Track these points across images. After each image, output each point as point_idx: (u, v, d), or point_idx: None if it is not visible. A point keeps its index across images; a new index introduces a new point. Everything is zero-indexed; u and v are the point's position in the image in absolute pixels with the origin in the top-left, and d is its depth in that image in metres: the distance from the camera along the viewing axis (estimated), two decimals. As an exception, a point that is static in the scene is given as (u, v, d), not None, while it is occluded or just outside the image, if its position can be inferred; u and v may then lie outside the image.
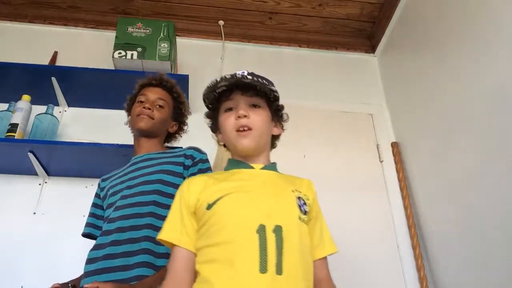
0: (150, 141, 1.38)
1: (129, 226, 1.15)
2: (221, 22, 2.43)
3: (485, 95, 1.52)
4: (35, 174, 1.82)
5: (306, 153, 2.09)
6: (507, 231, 1.38)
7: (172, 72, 2.03)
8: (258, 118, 1.03)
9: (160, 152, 1.36)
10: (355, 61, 2.51)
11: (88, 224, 1.34)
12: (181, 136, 1.53)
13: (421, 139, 1.96)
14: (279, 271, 0.82)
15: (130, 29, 2.04)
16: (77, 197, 1.78)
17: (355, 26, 2.50)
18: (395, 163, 2.10)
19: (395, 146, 2.14)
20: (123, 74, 1.91)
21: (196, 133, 1.56)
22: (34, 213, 1.78)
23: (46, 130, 1.81)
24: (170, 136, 1.50)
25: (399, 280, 1.83)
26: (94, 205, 1.38)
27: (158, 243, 1.03)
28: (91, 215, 1.36)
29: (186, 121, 1.53)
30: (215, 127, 1.12)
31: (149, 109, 1.37)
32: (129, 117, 1.45)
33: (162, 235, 0.95)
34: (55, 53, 2.19)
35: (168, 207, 1.02)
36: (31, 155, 1.71)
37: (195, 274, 0.90)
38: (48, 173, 1.85)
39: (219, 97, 1.07)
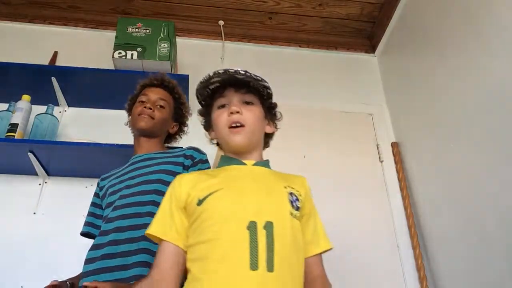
0: (150, 141, 1.38)
1: (127, 225, 1.15)
2: (221, 22, 2.43)
3: (485, 95, 1.52)
4: (35, 174, 1.82)
5: (306, 153, 2.09)
6: (507, 231, 1.38)
7: (172, 72, 2.03)
8: (250, 115, 1.03)
9: (160, 152, 1.36)
10: (355, 61, 2.51)
11: (87, 223, 1.34)
12: (181, 137, 1.53)
13: (421, 139, 1.96)
14: (270, 268, 0.82)
15: (130, 29, 2.04)
16: (77, 197, 1.78)
17: (355, 26, 2.50)
18: (395, 163, 2.10)
19: (395, 146, 2.14)
20: (123, 74, 1.92)
21: (196, 133, 1.56)
22: (34, 213, 1.78)
23: (46, 130, 1.81)
24: (170, 137, 1.50)
25: (399, 280, 1.83)
26: (93, 204, 1.38)
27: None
28: (90, 214, 1.36)
29: (187, 122, 1.53)
30: (208, 125, 1.12)
31: (150, 109, 1.37)
32: (130, 117, 1.45)
33: (150, 230, 0.94)
34: (55, 53, 2.19)
35: None
36: (31, 155, 1.71)
37: (183, 271, 0.90)
38: (48, 173, 1.85)
39: (212, 94, 1.07)
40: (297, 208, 0.96)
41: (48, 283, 1.15)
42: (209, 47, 2.41)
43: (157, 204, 1.19)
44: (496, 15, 1.50)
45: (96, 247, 1.18)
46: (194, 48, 2.38)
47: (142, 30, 2.05)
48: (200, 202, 0.92)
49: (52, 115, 1.85)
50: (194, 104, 1.82)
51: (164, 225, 0.94)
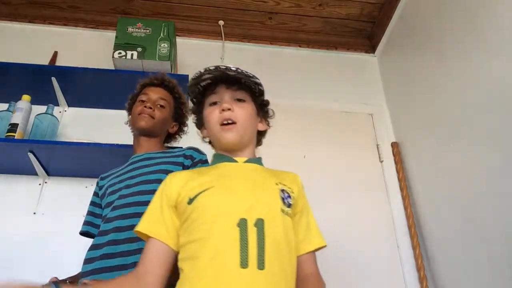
0: (150, 140, 1.38)
1: (127, 225, 1.15)
2: (221, 22, 2.43)
3: (485, 95, 1.52)
4: (35, 174, 1.82)
5: (306, 153, 2.09)
6: (507, 231, 1.38)
7: (172, 72, 2.03)
8: (242, 112, 1.02)
9: (160, 152, 1.35)
10: (355, 61, 2.51)
11: (86, 222, 1.34)
12: (181, 137, 1.53)
13: (421, 139, 1.96)
14: (260, 265, 0.81)
15: (130, 29, 2.04)
16: (77, 197, 1.78)
17: (355, 26, 2.50)
18: (395, 163, 2.10)
19: (395, 146, 2.14)
20: (123, 74, 1.91)
21: (196, 133, 1.56)
22: (34, 213, 1.78)
23: (46, 130, 1.80)
24: (170, 137, 1.50)
25: (399, 280, 1.83)
26: (93, 203, 1.37)
27: None
28: (89, 213, 1.35)
29: (187, 122, 1.53)
30: (200, 123, 1.11)
31: (151, 108, 1.37)
32: (130, 116, 1.45)
33: (139, 227, 0.93)
34: (55, 53, 2.19)
35: None
36: (31, 155, 1.71)
37: (170, 270, 0.89)
38: (48, 173, 1.85)
39: (204, 91, 1.06)
40: (289, 205, 0.95)
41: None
42: (209, 47, 2.41)
43: (156, 204, 1.19)
44: (496, 15, 1.50)
45: (95, 247, 1.18)
46: (194, 48, 2.38)
47: (142, 30, 2.05)
48: (190, 201, 0.91)
49: (52, 115, 1.85)
50: (194, 104, 1.83)
51: (153, 222, 0.93)
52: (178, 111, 1.48)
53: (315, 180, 2.02)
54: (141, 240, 1.13)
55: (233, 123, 1.00)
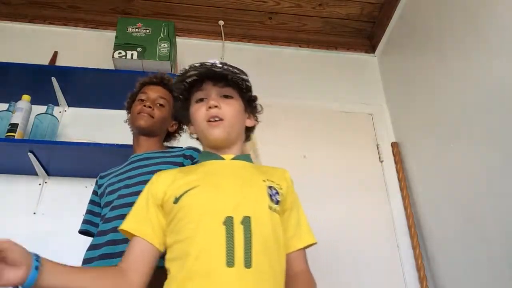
0: (149, 140, 1.38)
1: None
2: (221, 22, 2.43)
3: (485, 94, 1.52)
4: (35, 174, 1.82)
5: (306, 153, 2.09)
6: (507, 231, 1.38)
7: (172, 72, 2.03)
8: (229, 109, 1.01)
9: (159, 151, 1.35)
10: (355, 61, 2.51)
11: (85, 221, 1.34)
12: (180, 135, 1.53)
13: (421, 139, 1.96)
14: (247, 264, 0.80)
15: (130, 29, 2.04)
16: (77, 197, 1.78)
17: (355, 26, 2.50)
18: (395, 163, 2.10)
19: (395, 146, 2.14)
20: (123, 74, 1.91)
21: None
22: (34, 213, 1.78)
23: (46, 130, 1.80)
24: (170, 135, 1.50)
25: (399, 280, 1.83)
26: (92, 202, 1.37)
27: None
28: (88, 212, 1.35)
29: None
30: (187, 119, 1.09)
31: (150, 107, 1.36)
32: (129, 115, 1.44)
33: (123, 225, 0.92)
34: (55, 53, 2.19)
35: None
36: (31, 155, 1.71)
37: (152, 269, 0.88)
38: (48, 173, 1.85)
39: (190, 87, 1.04)
40: (277, 202, 0.93)
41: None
42: (209, 47, 2.41)
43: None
44: (496, 15, 1.50)
45: (94, 247, 1.18)
46: (194, 48, 2.38)
47: (142, 30, 2.05)
48: (176, 200, 0.90)
49: (52, 115, 1.85)
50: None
51: (138, 221, 0.92)
52: None
53: (315, 180, 2.03)
54: None
55: (220, 120, 0.99)
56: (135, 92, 1.45)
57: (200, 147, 1.13)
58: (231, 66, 1.01)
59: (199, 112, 1.01)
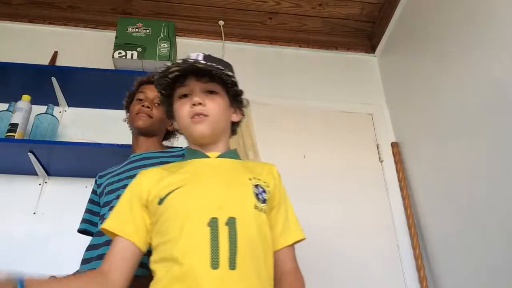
0: (148, 139, 1.38)
1: None
2: (221, 22, 2.43)
3: (485, 94, 1.52)
4: (35, 174, 1.82)
5: (306, 153, 2.09)
6: (507, 231, 1.38)
7: (172, 72, 2.02)
8: (214, 105, 0.97)
9: (159, 151, 1.35)
10: (355, 61, 2.51)
11: (84, 220, 1.33)
12: (180, 133, 1.52)
13: (421, 139, 1.96)
14: (232, 265, 0.79)
15: (130, 29, 2.04)
16: (77, 197, 1.77)
17: (355, 26, 2.50)
18: (395, 163, 2.10)
19: (395, 146, 2.14)
20: (123, 74, 1.91)
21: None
22: (34, 213, 1.78)
23: (46, 130, 1.81)
24: (169, 134, 1.49)
25: (399, 280, 1.83)
26: (91, 201, 1.37)
27: None
28: (87, 211, 1.35)
29: None
30: (171, 115, 1.06)
31: (148, 107, 1.36)
32: (128, 114, 1.44)
33: (105, 224, 0.90)
34: (55, 53, 2.19)
35: None
36: (31, 155, 1.71)
37: (134, 268, 0.87)
38: (48, 173, 1.85)
39: (173, 82, 1.01)
40: (264, 201, 0.91)
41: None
42: (209, 47, 2.40)
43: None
44: (496, 15, 1.50)
45: (92, 247, 1.18)
46: (194, 48, 2.34)
47: (142, 30, 2.05)
48: (160, 201, 0.88)
49: (52, 115, 1.85)
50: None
51: (121, 220, 0.90)
52: None
53: (315, 180, 2.04)
54: None
55: (205, 116, 0.96)
56: (133, 92, 1.45)
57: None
58: (216, 61, 0.98)
59: (182, 109, 0.98)
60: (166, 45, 2.01)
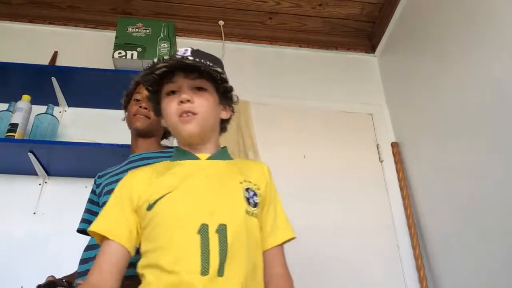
0: (147, 140, 1.38)
1: None
2: (221, 22, 2.43)
3: (485, 94, 1.52)
4: (35, 174, 1.82)
5: (306, 153, 2.09)
6: (507, 231, 1.38)
7: (172, 72, 2.02)
8: (203, 103, 0.94)
9: (158, 151, 1.35)
10: (355, 61, 2.51)
11: (83, 220, 1.33)
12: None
13: (421, 139, 1.96)
14: (221, 272, 0.78)
15: (130, 29, 2.04)
16: (77, 197, 1.76)
17: (355, 26, 2.50)
18: (395, 163, 2.10)
19: (395, 146, 2.14)
20: (123, 74, 1.91)
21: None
22: (34, 213, 1.78)
23: (46, 130, 1.81)
24: (168, 133, 1.49)
25: (399, 280, 1.83)
26: (90, 201, 1.37)
27: None
28: (87, 211, 1.35)
29: None
30: (158, 112, 1.01)
31: (146, 108, 1.36)
32: (126, 113, 1.44)
33: (94, 227, 0.86)
34: (55, 53, 2.19)
35: None
36: (31, 155, 1.71)
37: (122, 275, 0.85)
38: (48, 173, 1.85)
39: (160, 79, 0.96)
40: (255, 205, 0.90)
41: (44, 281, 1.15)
42: (209, 47, 2.37)
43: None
44: (496, 15, 1.50)
45: (90, 247, 1.19)
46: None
47: (142, 30, 2.05)
48: (150, 207, 0.86)
49: (52, 115, 1.85)
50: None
51: (112, 222, 0.87)
52: None
53: (315, 180, 2.03)
54: None
55: (194, 114, 0.92)
56: (130, 91, 1.44)
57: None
58: (204, 56, 0.95)
59: (170, 106, 0.94)
60: (166, 45, 2.01)
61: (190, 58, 0.92)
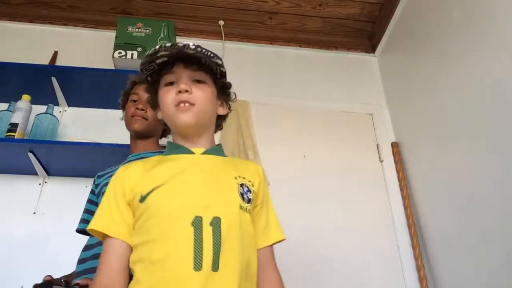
0: (145, 141, 1.38)
1: None
2: (221, 22, 2.43)
3: (485, 94, 1.52)
4: (35, 174, 1.83)
5: (306, 153, 2.09)
6: (507, 231, 1.38)
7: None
8: (201, 94, 0.93)
9: (156, 151, 1.35)
10: (355, 61, 2.51)
11: (82, 220, 1.33)
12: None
13: (421, 139, 1.96)
14: (215, 267, 0.76)
15: (130, 29, 2.05)
16: (77, 197, 1.76)
17: (355, 26, 2.50)
18: (395, 163, 2.10)
19: (395, 146, 2.14)
20: (123, 74, 1.89)
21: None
22: (34, 213, 1.78)
23: (46, 130, 1.81)
24: (167, 131, 1.49)
25: (399, 280, 1.83)
26: (90, 201, 1.37)
27: None
28: (86, 211, 1.35)
29: None
30: (155, 104, 1.01)
31: (142, 109, 1.35)
32: (124, 113, 1.44)
33: (94, 225, 0.85)
34: (55, 53, 2.19)
35: None
36: (31, 155, 1.71)
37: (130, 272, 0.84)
38: (48, 173, 1.85)
39: (160, 69, 0.96)
40: (249, 201, 0.90)
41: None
42: (209, 47, 2.35)
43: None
44: (496, 15, 1.50)
45: (87, 247, 1.20)
46: (194, 48, 2.37)
47: (142, 30, 2.05)
48: (142, 199, 0.85)
49: (52, 115, 1.85)
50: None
51: (111, 220, 0.85)
52: None
53: (315, 180, 2.04)
54: None
55: (191, 104, 0.91)
56: (127, 91, 1.44)
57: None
58: (206, 50, 0.94)
59: (167, 96, 0.93)
60: (166, 45, 2.01)
61: (193, 47, 0.91)
